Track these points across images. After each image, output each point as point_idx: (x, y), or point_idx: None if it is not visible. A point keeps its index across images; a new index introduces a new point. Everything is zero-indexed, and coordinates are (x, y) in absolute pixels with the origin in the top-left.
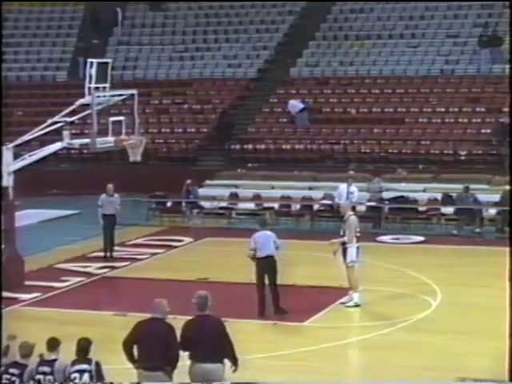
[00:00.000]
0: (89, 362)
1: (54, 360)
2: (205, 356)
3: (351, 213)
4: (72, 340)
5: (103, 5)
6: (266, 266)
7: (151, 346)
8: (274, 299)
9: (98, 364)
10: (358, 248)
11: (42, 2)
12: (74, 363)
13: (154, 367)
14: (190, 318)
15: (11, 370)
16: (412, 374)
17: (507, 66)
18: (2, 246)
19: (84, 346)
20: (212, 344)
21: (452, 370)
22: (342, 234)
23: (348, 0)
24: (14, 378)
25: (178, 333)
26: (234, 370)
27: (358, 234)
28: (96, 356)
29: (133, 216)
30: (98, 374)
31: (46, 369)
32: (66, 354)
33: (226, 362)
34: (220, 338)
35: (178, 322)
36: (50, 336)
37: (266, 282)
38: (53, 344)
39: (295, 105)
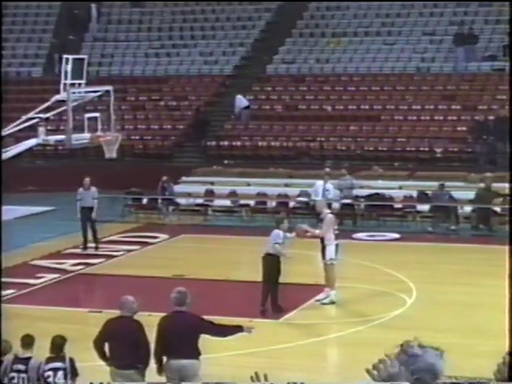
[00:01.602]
0: (63, 359)
1: (29, 358)
2: (180, 352)
3: (328, 211)
4: (47, 337)
5: (79, 1)
6: (263, 263)
7: (121, 344)
8: (271, 298)
9: (71, 360)
10: (336, 246)
11: None
12: (48, 361)
13: (125, 365)
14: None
15: None
16: None
17: (483, 64)
18: None
19: (58, 344)
20: (187, 340)
21: None
22: None
23: None
24: None
25: (154, 330)
26: (250, 332)
27: (337, 232)
28: (71, 353)
29: (108, 212)
30: (72, 370)
31: (21, 366)
32: (41, 351)
33: (202, 358)
34: (196, 333)
35: (154, 318)
36: (24, 333)
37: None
38: (27, 341)
39: (241, 101)
